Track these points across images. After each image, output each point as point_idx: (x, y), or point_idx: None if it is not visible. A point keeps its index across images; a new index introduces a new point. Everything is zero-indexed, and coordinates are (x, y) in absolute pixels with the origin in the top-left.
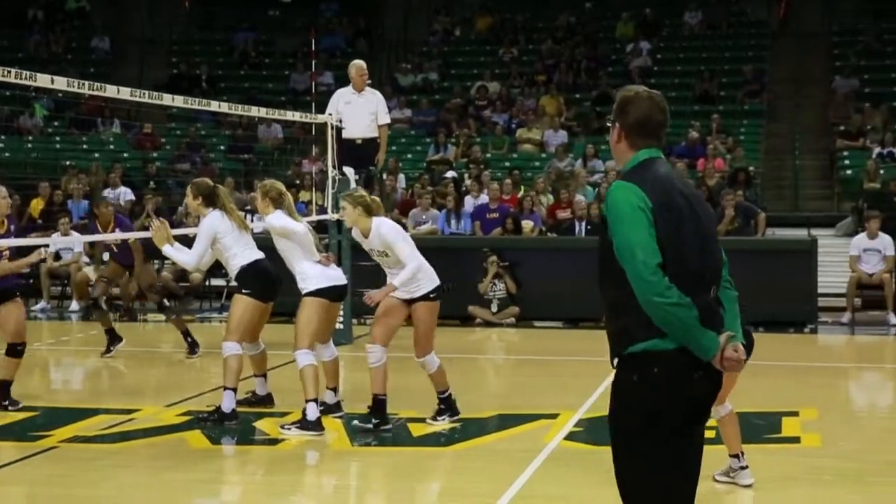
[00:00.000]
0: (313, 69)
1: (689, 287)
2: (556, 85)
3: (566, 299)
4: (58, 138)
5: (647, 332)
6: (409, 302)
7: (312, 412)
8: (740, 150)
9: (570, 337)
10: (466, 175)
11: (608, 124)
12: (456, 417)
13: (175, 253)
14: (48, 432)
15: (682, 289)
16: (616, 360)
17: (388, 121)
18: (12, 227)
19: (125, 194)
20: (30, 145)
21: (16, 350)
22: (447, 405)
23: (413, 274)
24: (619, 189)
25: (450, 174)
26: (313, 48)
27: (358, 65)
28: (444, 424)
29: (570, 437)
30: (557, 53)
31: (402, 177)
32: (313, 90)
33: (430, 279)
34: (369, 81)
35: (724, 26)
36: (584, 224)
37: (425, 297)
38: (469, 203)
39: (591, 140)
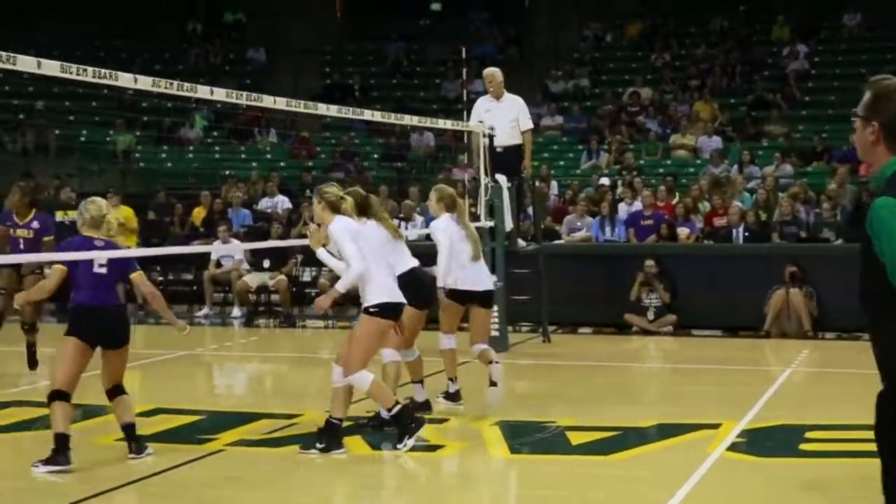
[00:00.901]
0: (464, 77)
1: None
2: (710, 90)
3: (725, 308)
4: (217, 148)
5: None
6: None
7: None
8: None
9: (729, 346)
10: (619, 182)
11: (854, 120)
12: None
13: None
14: (214, 436)
15: None
16: (885, 384)
17: (531, 126)
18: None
19: (282, 202)
20: (191, 155)
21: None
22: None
23: (355, 278)
24: (886, 207)
25: (603, 181)
26: (464, 56)
27: (489, 73)
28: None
29: (733, 447)
30: (711, 58)
31: (554, 183)
32: (464, 98)
33: (379, 292)
34: (504, 91)
35: (883, 27)
36: (741, 231)
37: (364, 310)
38: (623, 210)
39: (747, 145)
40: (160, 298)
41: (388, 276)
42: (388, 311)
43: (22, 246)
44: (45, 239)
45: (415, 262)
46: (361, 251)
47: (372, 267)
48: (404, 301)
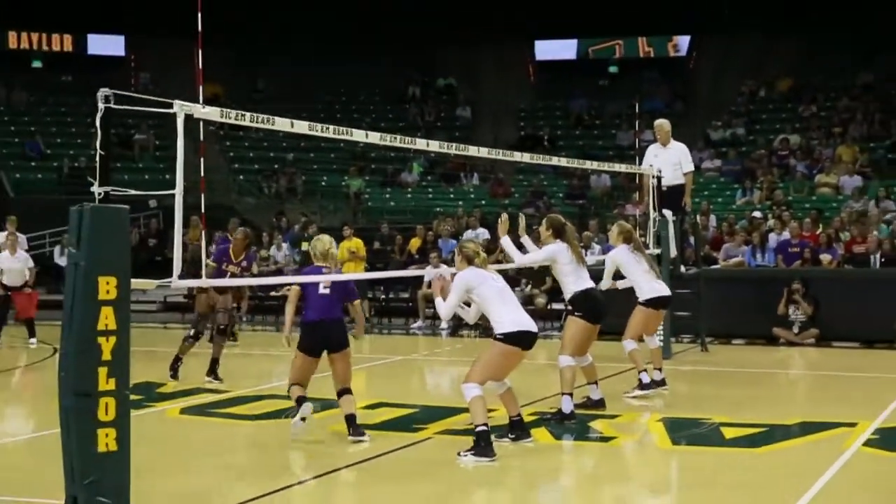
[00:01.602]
0: (636, 128)
1: None
2: (851, 136)
3: (863, 323)
4: (430, 190)
5: None
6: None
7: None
8: None
9: (865, 356)
10: (770, 215)
11: None
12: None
13: (510, 246)
14: (425, 425)
15: None
16: None
17: (692, 168)
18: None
19: (483, 234)
20: (409, 196)
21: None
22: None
23: (444, 315)
24: None
25: (756, 214)
26: (636, 110)
27: (658, 124)
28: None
29: (868, 443)
30: (852, 109)
31: (713, 217)
32: (636, 145)
33: (507, 324)
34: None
35: None
36: (878, 256)
37: (494, 336)
38: (772, 239)
39: (884, 183)
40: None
41: (516, 310)
42: (514, 339)
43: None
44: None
45: (591, 284)
46: (456, 304)
47: (497, 304)
48: (533, 329)
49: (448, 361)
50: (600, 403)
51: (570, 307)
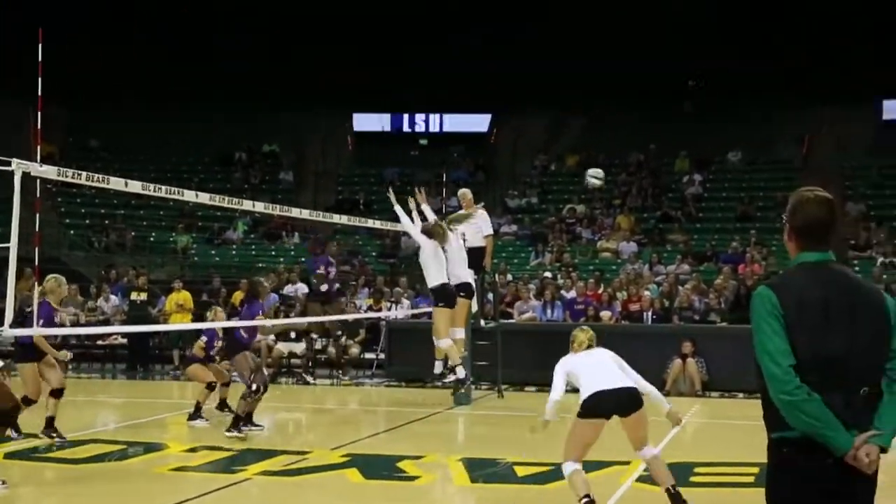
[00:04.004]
0: (443, 195)
1: (829, 386)
2: (629, 207)
3: (639, 372)
4: (253, 247)
5: (782, 423)
6: None
7: None
8: (773, 258)
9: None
10: (559, 275)
11: (781, 223)
12: None
13: (428, 210)
14: (244, 467)
15: (821, 387)
16: (769, 442)
17: (492, 232)
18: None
19: (301, 288)
20: (233, 252)
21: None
22: None
23: None
24: (757, 296)
25: (546, 274)
26: (444, 179)
27: (461, 192)
28: None
29: (641, 479)
30: (630, 183)
31: (509, 276)
32: (443, 210)
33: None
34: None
35: (759, 162)
36: (650, 314)
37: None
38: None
39: (656, 249)
40: None
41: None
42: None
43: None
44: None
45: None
46: None
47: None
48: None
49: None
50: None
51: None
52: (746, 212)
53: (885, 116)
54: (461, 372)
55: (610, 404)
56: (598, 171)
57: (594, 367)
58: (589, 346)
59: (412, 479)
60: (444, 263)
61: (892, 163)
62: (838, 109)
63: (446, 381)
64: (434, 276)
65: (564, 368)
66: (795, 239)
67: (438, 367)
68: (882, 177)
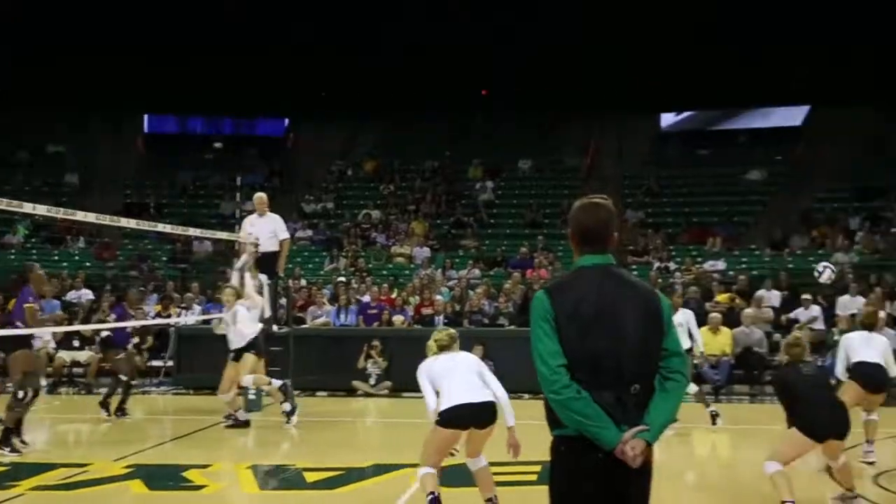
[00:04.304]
0: (237, 199)
1: (600, 384)
2: (423, 213)
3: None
4: (34, 251)
5: (558, 422)
6: None
7: None
8: (560, 263)
9: None
10: (353, 280)
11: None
12: None
13: None
14: (17, 483)
15: (593, 386)
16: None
17: (287, 237)
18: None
19: (86, 295)
20: (12, 256)
21: None
22: None
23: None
24: (534, 300)
25: (341, 279)
26: (238, 183)
27: (258, 197)
28: None
29: None
30: (424, 189)
31: (303, 281)
32: (237, 215)
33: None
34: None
35: (547, 170)
36: (441, 318)
37: None
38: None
39: (449, 255)
40: None
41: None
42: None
43: None
44: None
45: None
46: None
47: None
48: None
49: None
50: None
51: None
52: (535, 218)
53: (663, 128)
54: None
55: (469, 419)
56: (831, 265)
57: (455, 376)
58: (448, 349)
59: (199, 488)
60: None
61: (669, 173)
62: (620, 121)
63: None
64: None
65: (427, 375)
66: (575, 243)
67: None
68: (659, 185)
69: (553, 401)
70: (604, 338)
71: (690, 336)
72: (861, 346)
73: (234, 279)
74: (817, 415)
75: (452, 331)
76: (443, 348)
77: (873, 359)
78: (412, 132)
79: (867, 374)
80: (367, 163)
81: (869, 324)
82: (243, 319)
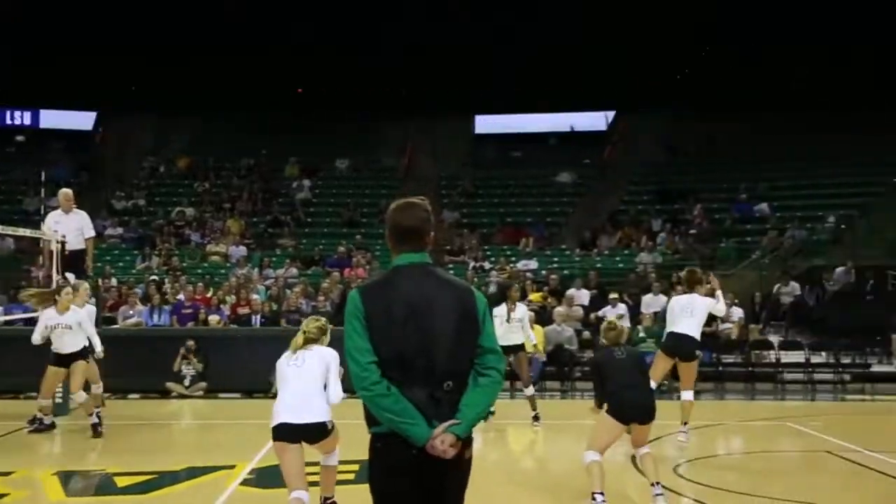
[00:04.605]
0: (42, 195)
1: (412, 381)
2: (239, 211)
3: (245, 376)
4: None
5: (375, 419)
6: None
7: None
8: (377, 262)
9: (246, 406)
10: (167, 279)
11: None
12: None
13: None
14: None
15: (404, 382)
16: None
17: (94, 234)
18: None
19: None
20: None
21: None
22: None
23: None
24: (348, 300)
25: (153, 278)
26: (42, 178)
27: (64, 192)
28: None
29: (245, 482)
30: (240, 187)
31: (114, 280)
32: (42, 211)
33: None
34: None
35: (365, 170)
36: (258, 317)
37: None
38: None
39: (266, 254)
40: None
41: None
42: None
43: None
44: None
45: None
46: None
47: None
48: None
49: None
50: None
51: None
52: (352, 218)
53: (478, 130)
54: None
55: (298, 435)
56: None
57: (289, 387)
58: (316, 342)
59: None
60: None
61: (484, 174)
62: (438, 122)
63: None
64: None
65: (278, 372)
66: (393, 243)
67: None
68: (475, 186)
69: (364, 397)
70: (416, 335)
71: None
72: (679, 316)
73: (72, 278)
74: (625, 398)
75: (323, 322)
76: (309, 341)
77: (685, 329)
78: (227, 129)
79: (672, 346)
80: (181, 159)
81: (691, 281)
82: (88, 323)
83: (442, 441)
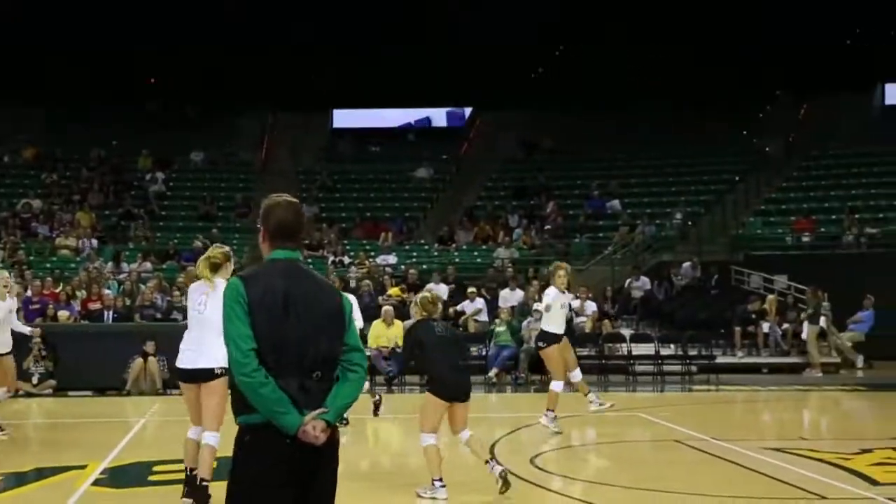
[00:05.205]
0: None
1: (285, 371)
2: (90, 203)
3: (97, 372)
4: None
5: (246, 407)
6: None
7: None
8: (235, 257)
9: (98, 403)
10: (13, 273)
11: (258, 226)
12: None
13: None
14: None
15: (279, 372)
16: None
17: None
18: None
19: None
20: None
21: None
22: None
23: None
24: (228, 286)
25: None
26: None
27: None
28: None
29: (97, 482)
30: (90, 179)
31: None
32: None
33: None
34: None
35: (221, 164)
36: (111, 312)
37: None
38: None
39: (118, 247)
40: None
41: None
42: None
43: None
44: None
45: None
46: None
47: None
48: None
49: None
50: None
51: None
52: (209, 211)
53: (336, 125)
54: None
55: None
56: None
57: (193, 330)
58: (219, 269)
59: None
60: None
61: (343, 169)
62: (295, 116)
63: None
64: None
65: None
66: (268, 239)
67: None
68: (333, 181)
69: (242, 383)
70: (290, 327)
71: None
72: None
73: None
74: (445, 376)
75: (227, 249)
76: (215, 267)
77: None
78: (77, 119)
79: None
80: (27, 150)
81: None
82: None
83: (314, 427)
